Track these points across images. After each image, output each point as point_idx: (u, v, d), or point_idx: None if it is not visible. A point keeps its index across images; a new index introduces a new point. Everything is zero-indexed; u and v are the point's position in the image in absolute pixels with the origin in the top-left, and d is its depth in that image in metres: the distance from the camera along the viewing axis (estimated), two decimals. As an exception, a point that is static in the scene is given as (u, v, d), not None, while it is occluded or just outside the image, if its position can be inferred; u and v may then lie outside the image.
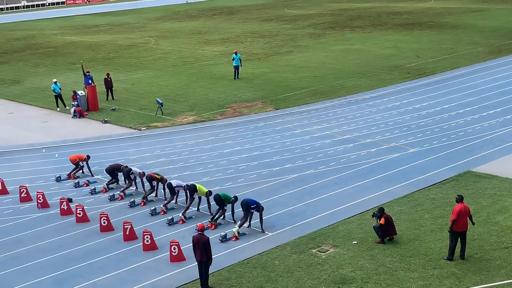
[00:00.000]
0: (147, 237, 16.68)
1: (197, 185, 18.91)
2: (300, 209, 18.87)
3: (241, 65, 38.42)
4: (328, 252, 16.06)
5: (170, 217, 18.43)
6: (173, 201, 19.60)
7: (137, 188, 20.90)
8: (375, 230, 16.56)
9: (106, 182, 21.54)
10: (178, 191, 19.45)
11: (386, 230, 16.35)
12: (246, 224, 17.64)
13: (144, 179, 20.55)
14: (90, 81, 32.89)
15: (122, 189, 20.75)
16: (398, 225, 16.95)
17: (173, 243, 16.00)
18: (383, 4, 75.20)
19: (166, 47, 51.26)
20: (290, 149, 24.57)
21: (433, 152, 23.16)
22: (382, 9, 69.78)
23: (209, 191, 18.87)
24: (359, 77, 36.72)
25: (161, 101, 30.70)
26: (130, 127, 28.73)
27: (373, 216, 16.92)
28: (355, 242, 16.48)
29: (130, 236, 17.36)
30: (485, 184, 19.82)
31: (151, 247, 16.69)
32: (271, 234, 17.32)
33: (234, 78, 37.92)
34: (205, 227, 16.41)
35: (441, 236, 16.37)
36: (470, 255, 15.38)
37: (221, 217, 18.27)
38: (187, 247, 15.87)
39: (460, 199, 15.32)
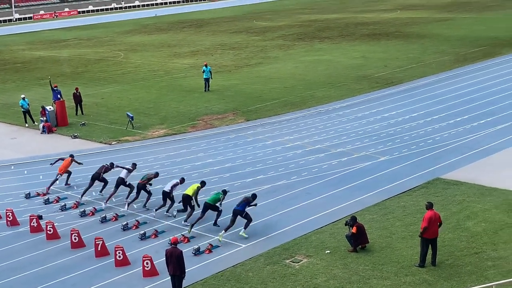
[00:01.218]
0: (119, 253, 16.52)
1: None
2: (273, 219, 18.89)
3: (211, 77, 38.42)
4: (302, 262, 16.09)
5: (142, 232, 18.30)
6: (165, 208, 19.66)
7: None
8: (348, 239, 16.65)
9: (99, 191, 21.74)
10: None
11: (358, 239, 16.45)
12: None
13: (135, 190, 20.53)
14: (58, 96, 32.59)
15: (108, 196, 20.73)
16: (370, 233, 17.07)
17: (145, 258, 15.88)
18: (351, 15, 75.97)
19: (135, 61, 51.07)
20: (262, 160, 24.60)
21: (403, 160, 23.40)
22: (349, 20, 70.49)
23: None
24: (329, 87, 36.98)
25: (131, 115, 30.53)
26: (100, 142, 28.50)
27: (345, 225, 17.01)
28: (328, 251, 16.54)
29: (102, 252, 17.18)
30: (454, 191, 20.08)
31: (123, 262, 16.53)
32: (244, 245, 17.30)
33: (205, 91, 37.90)
34: (178, 240, 16.34)
35: (413, 243, 16.52)
36: (441, 261, 15.55)
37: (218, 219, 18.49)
38: (160, 261, 15.76)
39: (430, 206, 15.49)
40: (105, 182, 21.63)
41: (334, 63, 44.75)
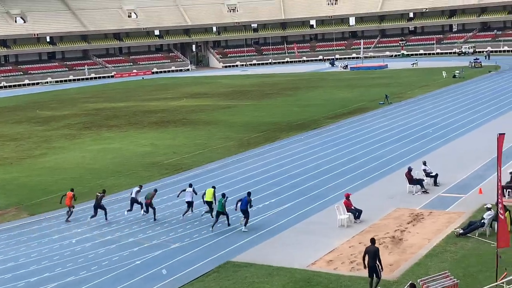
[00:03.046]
0: None
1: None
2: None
3: (-10, 171, 36.09)
4: None
5: None
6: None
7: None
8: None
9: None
10: None
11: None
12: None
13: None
14: None
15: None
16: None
17: None
18: (138, 103, 76.77)
19: None
20: (48, 256, 23.27)
21: (194, 245, 23.58)
22: (137, 108, 71.13)
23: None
24: (118, 176, 36.55)
25: None
26: None
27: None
28: None
29: None
30: (244, 273, 20.57)
31: None
32: None
33: (-17, 185, 35.45)
34: None
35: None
36: None
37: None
38: None
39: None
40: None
41: (123, 151, 44.54)
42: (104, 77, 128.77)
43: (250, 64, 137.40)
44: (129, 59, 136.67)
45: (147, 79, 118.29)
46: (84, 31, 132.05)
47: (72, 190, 28.55)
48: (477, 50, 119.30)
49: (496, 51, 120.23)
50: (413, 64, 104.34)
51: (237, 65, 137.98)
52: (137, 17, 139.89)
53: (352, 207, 25.65)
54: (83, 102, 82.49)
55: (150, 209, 27.42)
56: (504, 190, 26.74)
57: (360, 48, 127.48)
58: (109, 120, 61.86)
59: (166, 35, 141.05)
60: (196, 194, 27.72)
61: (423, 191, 28.88)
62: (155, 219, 26.95)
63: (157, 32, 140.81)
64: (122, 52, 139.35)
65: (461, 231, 22.52)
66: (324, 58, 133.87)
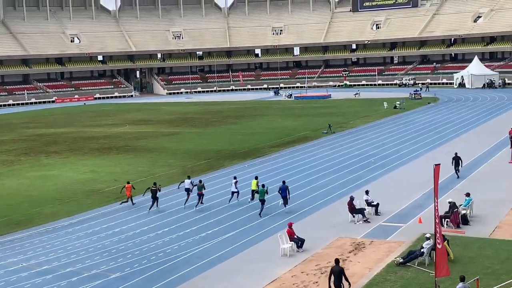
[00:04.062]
0: None
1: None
2: None
3: None
4: None
5: None
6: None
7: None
8: None
9: None
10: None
11: None
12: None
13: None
14: None
15: None
16: None
17: None
18: (79, 129, 75.60)
19: None
20: (-19, 287, 22.50)
21: (134, 275, 23.23)
22: (78, 134, 70.03)
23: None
24: (57, 203, 35.80)
25: None
26: None
27: None
28: None
29: None
30: (186, 303, 20.35)
31: None
32: None
33: None
34: None
35: None
36: None
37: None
38: None
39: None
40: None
41: (63, 178, 43.67)
42: (44, 102, 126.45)
43: (195, 92, 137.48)
44: (70, 84, 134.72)
45: (89, 105, 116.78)
46: (25, 55, 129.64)
47: (128, 182, 34.96)
48: (417, 82, 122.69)
49: (435, 83, 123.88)
50: (356, 94, 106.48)
51: (181, 92, 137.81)
52: (80, 42, 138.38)
53: (295, 236, 25.79)
54: (22, 127, 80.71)
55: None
56: (443, 219, 27.39)
57: (304, 78, 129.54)
58: (49, 146, 60.65)
59: (109, 60, 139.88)
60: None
61: (364, 220, 29.31)
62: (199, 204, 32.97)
63: (100, 58, 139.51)
64: (64, 77, 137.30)
65: (401, 260, 22.90)
66: (269, 86, 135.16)
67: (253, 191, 33.58)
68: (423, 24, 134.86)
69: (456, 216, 27.70)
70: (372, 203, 30.79)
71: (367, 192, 31.46)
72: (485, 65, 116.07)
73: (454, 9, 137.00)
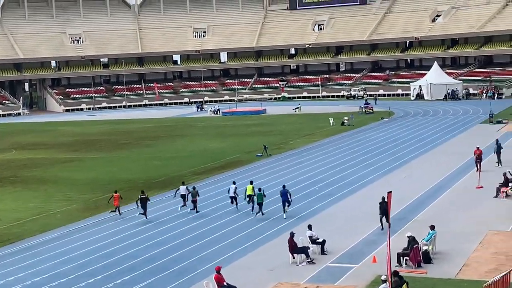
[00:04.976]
0: None
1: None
2: None
3: None
4: None
5: None
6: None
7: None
8: None
9: None
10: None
11: None
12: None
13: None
14: None
15: None
16: None
17: None
18: (-47, 156, 73.49)
19: None
20: None
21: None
22: (-48, 163, 68.05)
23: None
24: None
25: None
26: None
27: None
28: None
29: None
30: None
31: None
32: None
33: None
34: None
35: None
36: None
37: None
38: None
39: None
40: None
41: None
42: None
43: (99, 108, 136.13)
44: None
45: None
46: None
47: (116, 191, 40.70)
48: (368, 93, 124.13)
49: (389, 95, 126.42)
50: (296, 109, 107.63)
51: (82, 109, 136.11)
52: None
53: (225, 283, 25.76)
54: None
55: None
56: (401, 257, 27.86)
57: (233, 89, 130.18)
58: None
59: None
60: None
61: (308, 261, 29.55)
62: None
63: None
64: None
65: (353, 308, 23.17)
66: (191, 100, 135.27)
67: (249, 195, 38.78)
68: (373, 25, 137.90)
69: (416, 253, 28.11)
70: (317, 240, 31.10)
71: (310, 227, 31.76)
72: (446, 72, 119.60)
73: (408, 7, 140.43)
